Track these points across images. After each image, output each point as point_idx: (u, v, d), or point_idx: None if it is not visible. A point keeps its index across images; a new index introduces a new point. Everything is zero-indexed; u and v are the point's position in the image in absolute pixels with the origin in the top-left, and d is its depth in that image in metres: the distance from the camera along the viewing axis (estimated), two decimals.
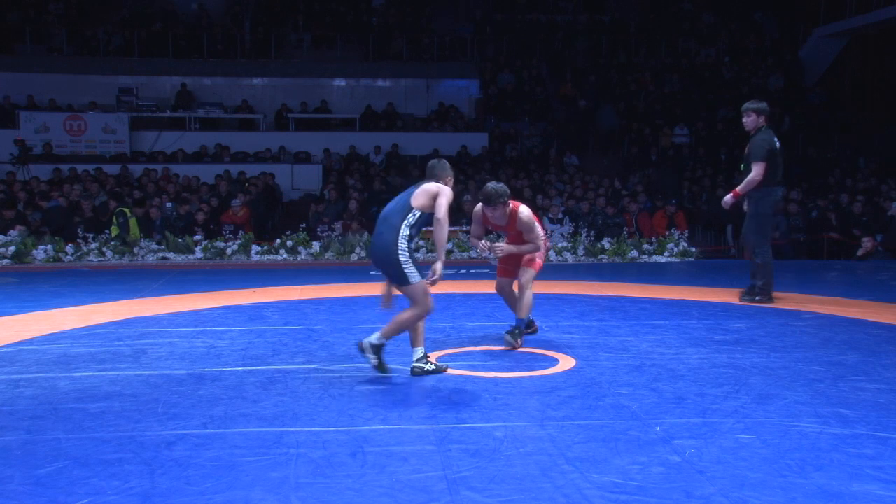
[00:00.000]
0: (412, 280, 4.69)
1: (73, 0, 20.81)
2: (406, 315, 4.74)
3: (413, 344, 4.93)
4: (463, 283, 8.99)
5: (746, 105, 7.82)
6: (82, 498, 3.07)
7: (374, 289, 8.69)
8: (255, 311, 7.25)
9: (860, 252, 11.98)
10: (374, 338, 4.74)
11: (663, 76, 20.42)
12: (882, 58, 19.45)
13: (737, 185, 7.81)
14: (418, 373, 4.86)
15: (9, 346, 5.77)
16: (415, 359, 4.90)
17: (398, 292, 4.93)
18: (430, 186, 4.79)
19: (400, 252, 4.67)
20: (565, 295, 8.18)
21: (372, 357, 4.73)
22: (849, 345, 5.72)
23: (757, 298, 7.63)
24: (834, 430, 3.81)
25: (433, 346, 5.70)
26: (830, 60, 20.70)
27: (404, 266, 4.67)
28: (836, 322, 6.62)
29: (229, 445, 3.63)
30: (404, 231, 4.69)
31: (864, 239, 12.05)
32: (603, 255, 11.82)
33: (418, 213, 4.74)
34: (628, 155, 18.08)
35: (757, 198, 7.70)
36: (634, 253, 11.77)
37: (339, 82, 20.53)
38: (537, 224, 5.66)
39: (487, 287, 8.55)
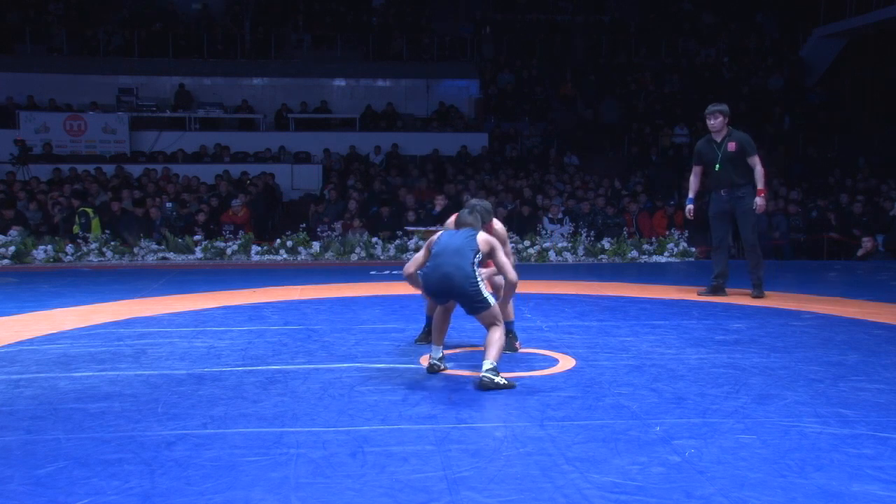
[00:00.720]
0: (491, 302, 4.81)
1: (73, 0, 20.80)
2: (496, 335, 4.75)
3: (436, 342, 5.00)
4: None
5: (714, 108, 7.80)
6: (82, 498, 3.06)
7: (374, 289, 8.71)
8: (255, 311, 7.25)
9: (860, 252, 11.98)
10: (486, 366, 4.63)
11: (663, 76, 20.42)
12: (882, 58, 19.46)
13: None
14: (435, 370, 4.93)
15: (9, 346, 5.77)
16: (437, 357, 4.96)
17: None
18: (488, 238, 4.98)
19: (479, 282, 4.79)
20: (565, 295, 8.18)
21: (499, 380, 4.61)
22: (849, 345, 5.71)
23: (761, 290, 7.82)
24: (834, 431, 3.81)
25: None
26: (830, 60, 20.71)
27: (484, 294, 4.79)
28: (835, 322, 6.62)
29: (229, 445, 3.63)
30: (475, 265, 4.84)
31: (865, 239, 12.04)
32: (603, 255, 11.82)
33: (481, 255, 4.93)
34: (629, 155, 18.08)
35: (743, 195, 7.78)
36: (634, 253, 11.77)
37: (339, 82, 20.54)
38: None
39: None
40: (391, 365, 5.16)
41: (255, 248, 11.73)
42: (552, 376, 4.88)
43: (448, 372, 4.97)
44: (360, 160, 17.19)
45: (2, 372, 4.99)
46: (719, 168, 7.79)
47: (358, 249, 11.70)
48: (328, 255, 11.71)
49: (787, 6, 22.02)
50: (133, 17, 20.51)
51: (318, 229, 12.33)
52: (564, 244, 11.91)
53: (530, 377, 4.85)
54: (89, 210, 12.33)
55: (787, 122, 19.02)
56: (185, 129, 18.25)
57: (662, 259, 11.70)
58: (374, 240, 11.87)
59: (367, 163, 17.15)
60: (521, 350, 5.59)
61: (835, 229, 13.02)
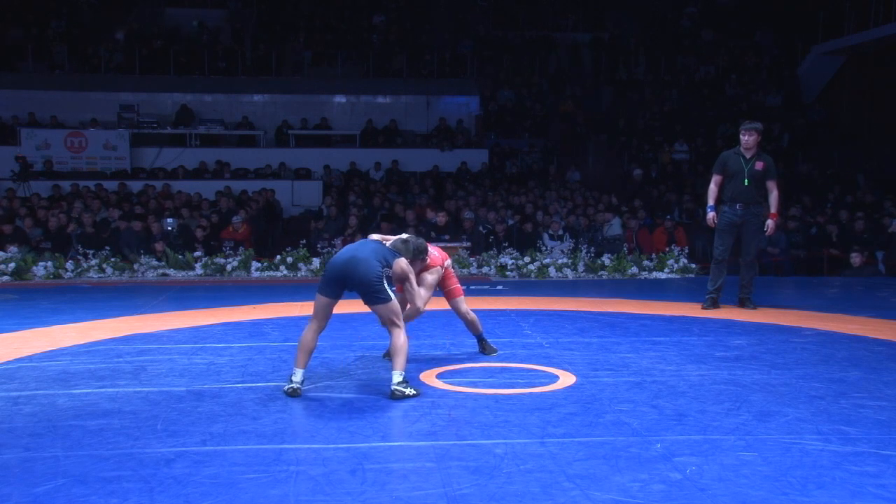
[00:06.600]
0: (391, 298, 4.83)
1: (75, 18, 20.90)
2: (399, 340, 4.79)
3: (299, 364, 4.85)
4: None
5: (750, 125, 8.04)
6: None
7: None
8: (254, 328, 7.24)
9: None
10: (395, 377, 4.72)
11: (663, 93, 20.50)
12: (880, 75, 19.52)
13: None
14: (288, 392, 4.78)
15: (8, 363, 5.76)
16: (298, 381, 4.82)
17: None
18: (406, 267, 5.03)
19: (382, 275, 4.82)
20: (565, 311, 8.18)
21: (408, 390, 4.71)
22: (850, 361, 5.71)
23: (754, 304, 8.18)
24: (836, 448, 3.79)
25: (433, 363, 5.70)
26: (829, 77, 20.79)
27: (385, 285, 4.82)
28: (836, 338, 6.61)
29: (228, 463, 3.61)
30: (382, 267, 4.85)
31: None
32: (603, 272, 11.81)
33: (390, 271, 4.94)
34: (628, 171, 18.13)
35: (757, 212, 8.08)
36: (634, 269, 11.77)
37: (340, 99, 20.60)
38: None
39: (486, 304, 8.56)
40: (391, 382, 5.14)
41: (255, 265, 11.73)
42: (552, 393, 4.86)
43: (449, 388, 4.96)
44: (360, 176, 17.23)
45: (1, 389, 4.98)
46: (748, 183, 7.96)
47: None
48: None
49: (786, 24, 22.11)
50: (134, 35, 20.58)
51: (319, 245, 12.34)
52: (564, 260, 11.91)
53: (530, 394, 4.84)
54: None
55: (787, 138, 19.07)
56: (186, 146, 18.28)
57: (662, 275, 11.70)
58: None
59: (368, 179, 17.19)
60: (520, 365, 5.58)
61: (835, 245, 13.00)
